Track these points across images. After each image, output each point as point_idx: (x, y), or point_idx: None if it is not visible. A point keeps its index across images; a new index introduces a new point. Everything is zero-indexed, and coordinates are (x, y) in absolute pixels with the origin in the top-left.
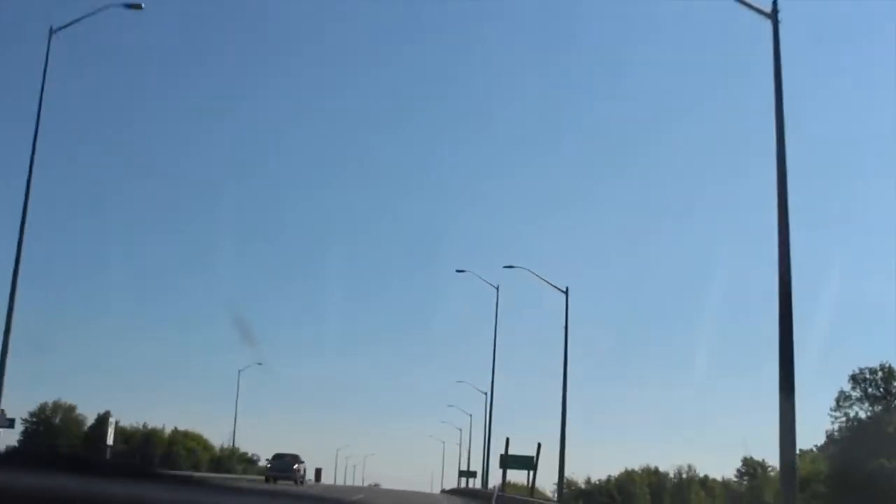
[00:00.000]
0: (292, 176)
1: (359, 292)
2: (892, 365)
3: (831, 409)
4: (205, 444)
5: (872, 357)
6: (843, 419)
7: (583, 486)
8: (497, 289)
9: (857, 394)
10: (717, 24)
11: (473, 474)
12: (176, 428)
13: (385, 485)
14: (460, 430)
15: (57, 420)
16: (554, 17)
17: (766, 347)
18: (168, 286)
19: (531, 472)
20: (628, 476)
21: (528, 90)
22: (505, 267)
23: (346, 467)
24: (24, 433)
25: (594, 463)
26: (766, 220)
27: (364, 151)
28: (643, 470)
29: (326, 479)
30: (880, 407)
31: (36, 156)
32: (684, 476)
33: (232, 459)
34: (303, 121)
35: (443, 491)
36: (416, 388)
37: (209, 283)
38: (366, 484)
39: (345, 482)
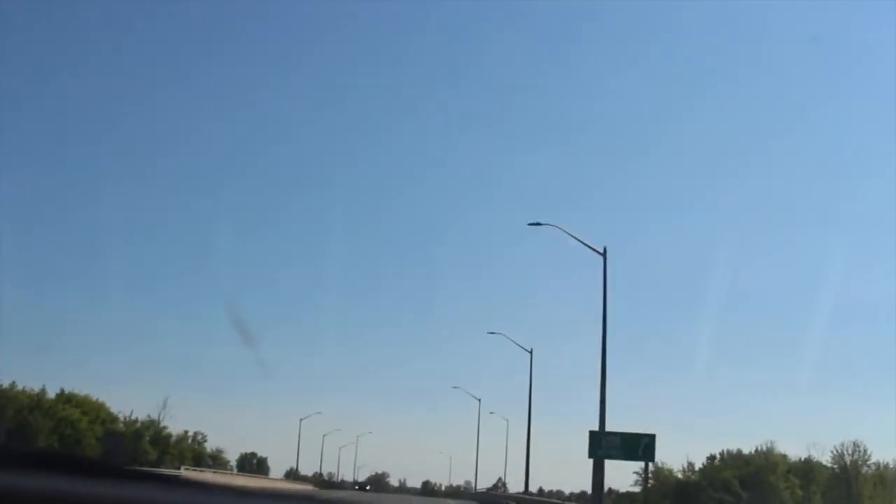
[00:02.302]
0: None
1: (355, 287)
2: None
3: None
4: (101, 415)
5: None
6: None
7: (680, 475)
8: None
9: None
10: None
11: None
12: (62, 391)
13: (395, 475)
14: (530, 350)
15: None
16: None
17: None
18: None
19: None
20: (764, 459)
21: (530, 86)
22: (530, 224)
23: (321, 451)
24: None
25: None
26: None
27: (363, 148)
28: (753, 453)
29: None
30: None
31: None
32: (848, 462)
33: (143, 440)
34: (302, 116)
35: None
36: (424, 377)
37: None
38: (364, 479)
39: (324, 474)
